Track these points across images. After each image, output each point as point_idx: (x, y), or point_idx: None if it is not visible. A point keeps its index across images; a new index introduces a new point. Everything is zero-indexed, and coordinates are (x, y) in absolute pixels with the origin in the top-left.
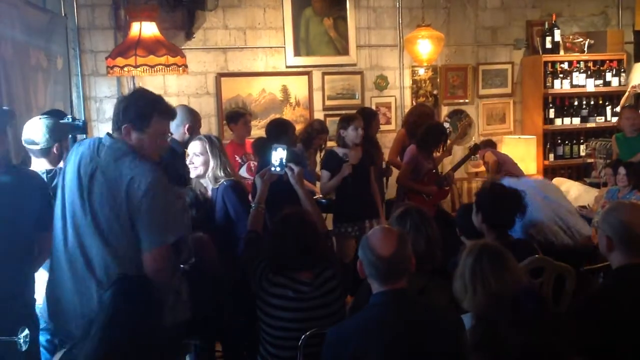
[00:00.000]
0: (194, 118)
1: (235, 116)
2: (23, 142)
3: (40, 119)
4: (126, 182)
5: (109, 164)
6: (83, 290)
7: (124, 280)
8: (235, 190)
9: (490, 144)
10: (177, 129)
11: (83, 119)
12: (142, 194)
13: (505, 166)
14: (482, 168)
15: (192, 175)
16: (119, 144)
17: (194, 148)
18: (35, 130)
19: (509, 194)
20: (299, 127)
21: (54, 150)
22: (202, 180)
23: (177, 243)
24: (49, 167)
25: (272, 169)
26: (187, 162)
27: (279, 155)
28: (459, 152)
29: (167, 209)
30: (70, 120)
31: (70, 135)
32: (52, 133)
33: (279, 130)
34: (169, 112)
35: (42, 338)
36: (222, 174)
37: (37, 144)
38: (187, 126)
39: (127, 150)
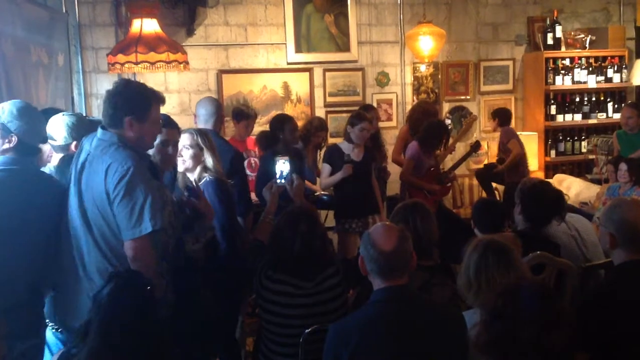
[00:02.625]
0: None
1: (240, 115)
2: None
3: (63, 115)
4: (105, 169)
5: (97, 155)
6: (79, 284)
7: (120, 277)
8: (215, 186)
9: (506, 117)
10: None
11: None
12: (118, 180)
13: (523, 164)
14: (484, 164)
15: (180, 169)
16: (108, 135)
17: (184, 140)
18: (56, 127)
19: (552, 192)
20: (299, 124)
21: (72, 147)
22: (189, 174)
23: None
24: None
25: (278, 181)
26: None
27: (281, 167)
28: (460, 148)
29: (144, 197)
30: (94, 118)
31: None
32: (72, 131)
33: (280, 121)
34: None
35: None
36: (210, 169)
37: (56, 140)
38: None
39: (114, 141)
